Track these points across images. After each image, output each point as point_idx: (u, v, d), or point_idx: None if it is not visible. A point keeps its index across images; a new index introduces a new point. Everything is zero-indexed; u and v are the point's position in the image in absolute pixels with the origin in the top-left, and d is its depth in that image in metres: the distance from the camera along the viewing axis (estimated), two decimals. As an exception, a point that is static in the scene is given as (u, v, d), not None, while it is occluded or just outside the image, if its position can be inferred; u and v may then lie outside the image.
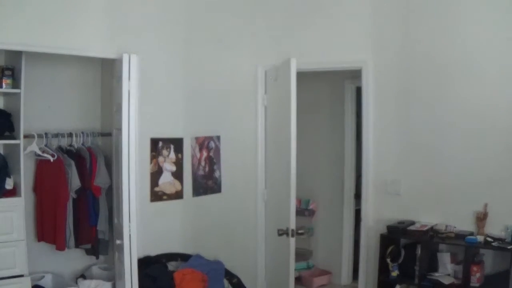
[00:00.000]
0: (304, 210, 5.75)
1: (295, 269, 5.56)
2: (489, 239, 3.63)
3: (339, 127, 5.53)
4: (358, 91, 4.94)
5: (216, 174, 4.52)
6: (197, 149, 4.34)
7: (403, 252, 4.06)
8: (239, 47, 4.63)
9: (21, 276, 3.33)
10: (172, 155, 4.14)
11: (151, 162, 3.99)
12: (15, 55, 3.44)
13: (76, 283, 3.82)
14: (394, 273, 4.03)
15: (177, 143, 4.17)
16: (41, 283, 3.74)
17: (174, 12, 4.15)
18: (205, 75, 4.36)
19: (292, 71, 3.73)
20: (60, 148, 3.88)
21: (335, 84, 5.54)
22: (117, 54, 3.56)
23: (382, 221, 4.24)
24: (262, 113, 4.66)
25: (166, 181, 4.10)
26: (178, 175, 4.18)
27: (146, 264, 3.79)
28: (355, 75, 4.66)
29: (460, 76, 3.94)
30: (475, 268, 3.65)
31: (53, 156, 3.71)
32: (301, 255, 5.78)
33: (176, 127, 4.18)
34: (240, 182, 4.64)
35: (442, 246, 3.99)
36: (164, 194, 4.09)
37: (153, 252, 3.98)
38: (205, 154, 4.41)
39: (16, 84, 3.41)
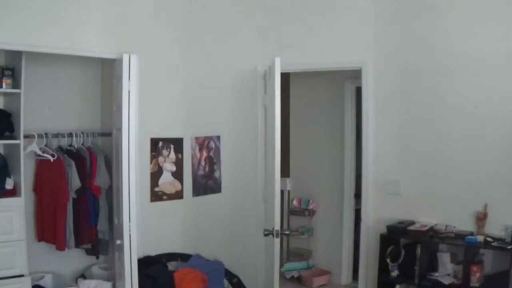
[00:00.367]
0: (304, 210, 5.76)
1: (295, 269, 5.68)
2: (489, 239, 3.64)
3: (339, 127, 5.53)
4: (358, 91, 4.94)
5: (216, 174, 4.52)
6: (197, 149, 4.34)
7: (403, 252, 4.06)
8: (239, 47, 4.64)
9: (21, 276, 3.33)
10: (172, 155, 4.14)
11: (151, 162, 4.00)
12: (15, 55, 3.43)
13: (76, 283, 3.82)
14: (394, 273, 4.03)
15: (177, 143, 4.18)
16: (41, 283, 3.74)
17: (174, 12, 4.15)
18: (205, 75, 4.37)
19: (277, 69, 3.69)
20: (60, 148, 3.88)
21: (335, 84, 5.54)
22: (117, 54, 3.56)
23: (382, 221, 4.24)
24: (262, 113, 4.66)
25: (166, 181, 4.10)
26: (178, 175, 4.18)
27: (146, 264, 3.79)
28: (355, 75, 4.66)
29: (459, 76, 3.95)
30: (475, 268, 3.65)
31: (53, 156, 3.71)
32: (301, 255, 5.80)
33: (176, 127, 4.18)
34: (240, 182, 4.65)
35: (442, 246, 3.99)
36: (164, 194, 4.09)
37: (153, 252, 3.98)
38: (205, 154, 4.41)
39: (16, 84, 3.40)
